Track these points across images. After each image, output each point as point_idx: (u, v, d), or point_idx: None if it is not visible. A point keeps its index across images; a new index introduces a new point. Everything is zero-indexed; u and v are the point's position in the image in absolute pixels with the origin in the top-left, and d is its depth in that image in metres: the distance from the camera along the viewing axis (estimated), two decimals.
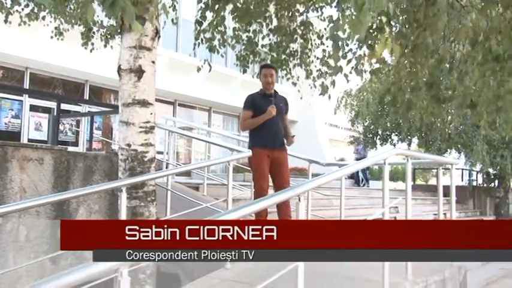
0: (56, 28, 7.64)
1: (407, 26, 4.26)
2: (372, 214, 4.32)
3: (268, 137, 4.68)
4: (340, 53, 3.59)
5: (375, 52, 3.56)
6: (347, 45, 4.59)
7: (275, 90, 4.83)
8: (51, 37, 7.77)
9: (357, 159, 14.84)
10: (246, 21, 5.96)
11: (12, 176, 3.98)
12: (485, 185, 15.97)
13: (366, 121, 16.21)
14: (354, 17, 2.83)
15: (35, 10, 7.20)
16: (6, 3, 6.97)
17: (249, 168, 7.19)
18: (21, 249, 3.97)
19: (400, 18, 4.39)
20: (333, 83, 5.14)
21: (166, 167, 6.71)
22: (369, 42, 3.52)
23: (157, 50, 4.24)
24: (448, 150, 14.77)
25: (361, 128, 16.68)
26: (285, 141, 4.86)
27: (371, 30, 3.44)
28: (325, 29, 7.09)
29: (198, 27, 6.20)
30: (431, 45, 3.93)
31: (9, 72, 11.71)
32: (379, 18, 3.52)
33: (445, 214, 5.55)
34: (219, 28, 6.15)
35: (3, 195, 3.91)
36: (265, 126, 4.66)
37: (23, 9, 7.21)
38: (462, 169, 16.19)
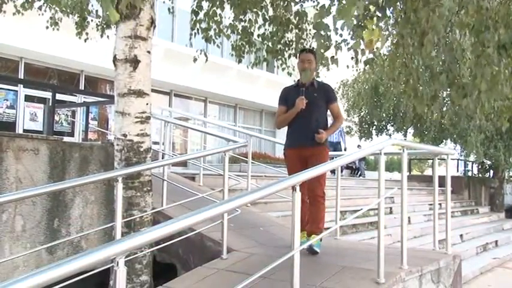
0: (51, 18, 7.58)
1: (403, 15, 4.19)
2: (368, 204, 4.36)
3: (297, 135, 4.13)
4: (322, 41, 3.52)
5: (369, 42, 3.46)
6: (336, 33, 4.53)
7: (315, 79, 4.27)
8: (47, 27, 7.72)
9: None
10: (242, 10, 5.93)
11: (7, 166, 3.97)
12: (480, 175, 16.05)
13: (362, 111, 16.22)
14: (343, 4, 2.81)
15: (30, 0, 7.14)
16: None
17: (245, 159, 7.23)
18: (17, 240, 3.97)
19: (393, 7, 4.30)
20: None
21: (162, 157, 6.71)
22: (356, 31, 3.43)
23: (152, 40, 4.22)
24: (444, 140, 14.83)
25: (357, 118, 16.70)
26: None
27: (359, 21, 3.34)
28: None
29: (194, 17, 6.17)
30: (442, 30, 3.79)
31: (3, 62, 11.61)
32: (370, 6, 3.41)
33: (440, 204, 5.58)
34: (215, 18, 6.12)
35: None
36: (295, 122, 4.13)
37: None
38: (458, 159, 16.26)
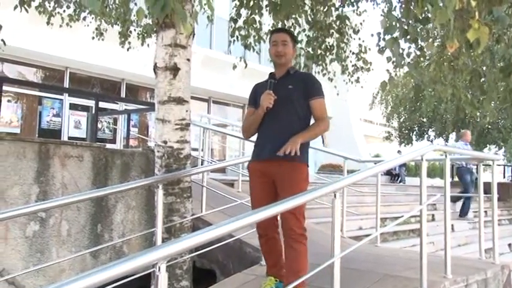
0: (96, 29, 7.85)
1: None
2: (409, 211, 4.25)
3: (262, 145, 3.13)
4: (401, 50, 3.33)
5: (454, 41, 3.22)
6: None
7: (292, 68, 3.19)
8: (93, 38, 7.99)
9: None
10: (281, 16, 5.92)
11: (54, 172, 4.11)
12: None
13: (401, 116, 15.93)
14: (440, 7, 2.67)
15: (77, 11, 7.41)
16: (49, 5, 7.18)
17: None
18: (63, 244, 4.10)
19: None
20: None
21: (202, 164, 6.78)
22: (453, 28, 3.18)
23: (192, 47, 4.28)
24: (488, 145, 14.36)
25: (396, 123, 16.41)
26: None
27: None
28: (361, 23, 7.01)
29: (233, 25, 6.22)
30: (508, 20, 3.51)
31: (50, 72, 12.09)
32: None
33: (485, 212, 5.38)
34: (254, 25, 6.15)
35: (46, 191, 4.05)
36: (261, 127, 3.16)
37: (64, 11, 7.42)
38: (504, 165, 15.69)
